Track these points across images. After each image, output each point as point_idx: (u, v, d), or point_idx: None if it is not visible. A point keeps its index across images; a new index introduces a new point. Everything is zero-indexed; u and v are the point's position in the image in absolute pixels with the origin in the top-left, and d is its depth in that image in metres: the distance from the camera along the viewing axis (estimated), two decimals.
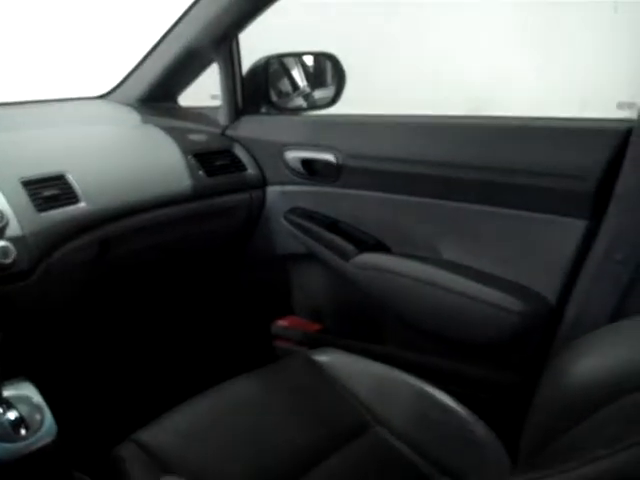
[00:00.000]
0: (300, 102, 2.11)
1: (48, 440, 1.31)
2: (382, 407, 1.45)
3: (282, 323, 2.05)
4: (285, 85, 2.10)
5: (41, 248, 1.46)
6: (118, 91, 2.16)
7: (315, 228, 1.87)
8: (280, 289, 2.08)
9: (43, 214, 1.49)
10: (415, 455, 1.36)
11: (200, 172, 1.84)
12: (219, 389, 1.48)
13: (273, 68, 2.04)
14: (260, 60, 2.01)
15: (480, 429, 1.35)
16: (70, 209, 1.55)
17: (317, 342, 1.89)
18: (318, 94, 2.08)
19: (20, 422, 1.32)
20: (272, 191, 1.97)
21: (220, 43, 1.92)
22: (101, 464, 1.32)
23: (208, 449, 1.31)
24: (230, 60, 1.97)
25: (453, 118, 1.71)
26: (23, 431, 1.31)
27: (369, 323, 1.88)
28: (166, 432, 1.35)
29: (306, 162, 1.88)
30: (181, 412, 1.41)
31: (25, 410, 1.34)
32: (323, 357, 1.58)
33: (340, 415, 1.44)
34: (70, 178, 1.58)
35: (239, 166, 1.94)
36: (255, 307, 2.13)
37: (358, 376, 1.52)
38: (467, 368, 1.65)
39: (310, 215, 1.89)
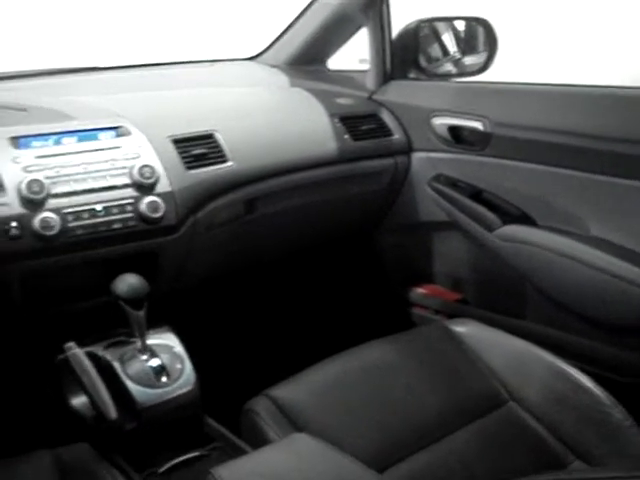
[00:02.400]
0: (450, 68, 2.07)
1: (187, 388, 1.37)
2: (518, 383, 1.42)
3: (421, 291, 2.04)
4: (435, 50, 2.07)
5: (188, 205, 1.51)
6: (267, 53, 2.19)
7: (459, 197, 1.84)
8: (420, 256, 2.06)
9: (192, 172, 1.55)
10: (549, 435, 1.33)
11: (346, 136, 1.85)
12: (353, 352, 1.49)
13: (423, 33, 2.01)
14: (410, 24, 1.98)
15: (618, 414, 1.30)
16: (218, 168, 1.60)
17: (455, 312, 1.88)
18: (468, 60, 2.04)
19: (162, 370, 1.38)
20: (417, 157, 1.95)
21: (370, 7, 1.91)
22: (234, 416, 1.37)
23: (338, 409, 1.33)
24: (380, 24, 1.95)
25: (609, 88, 1.63)
26: (164, 378, 1.37)
27: (509, 296, 1.84)
28: (299, 390, 1.37)
29: (453, 129, 1.85)
30: (315, 372, 1.43)
31: (167, 358, 1.41)
32: (461, 327, 1.56)
33: (474, 387, 1.42)
34: (219, 137, 1.63)
35: (385, 131, 1.93)
36: (394, 273, 2.13)
37: (495, 349, 1.50)
38: (607, 349, 1.59)
39: (454, 183, 1.87)
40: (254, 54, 2.22)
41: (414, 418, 1.33)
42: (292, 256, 2.03)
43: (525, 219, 1.74)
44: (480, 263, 1.90)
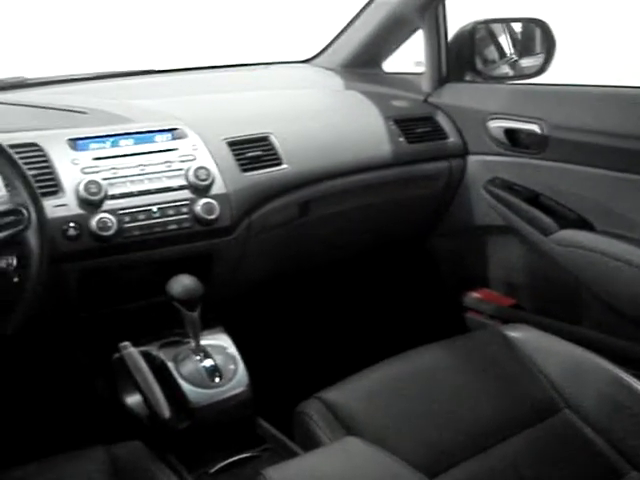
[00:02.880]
0: (506, 70, 2.05)
1: (239, 389, 1.38)
2: (574, 390, 1.39)
3: (475, 295, 2.02)
4: (491, 52, 2.05)
5: (243, 207, 1.52)
6: (322, 56, 2.19)
7: (515, 200, 1.82)
8: (475, 260, 2.05)
9: (247, 174, 1.56)
10: (606, 445, 1.30)
11: (401, 139, 1.84)
12: (406, 356, 1.48)
13: (479, 34, 1.99)
14: (466, 26, 1.97)
15: None
16: (273, 170, 1.61)
17: (510, 317, 1.86)
18: (525, 62, 2.01)
19: (215, 370, 1.39)
20: (473, 160, 1.94)
21: (426, 9, 1.90)
22: (286, 418, 1.37)
23: (391, 413, 1.33)
24: (435, 27, 1.94)
25: None
26: (217, 379, 1.38)
27: (565, 302, 1.81)
28: (352, 393, 1.37)
29: (509, 132, 1.83)
30: (368, 375, 1.42)
31: (220, 359, 1.42)
32: (515, 333, 1.54)
33: (529, 394, 1.40)
34: (274, 140, 1.64)
35: (440, 134, 1.92)
36: (448, 277, 2.11)
37: (551, 355, 1.47)
38: None
39: (510, 187, 1.85)
40: (309, 57, 2.22)
41: (467, 424, 1.32)
42: (345, 259, 2.02)
43: (582, 223, 1.72)
44: (536, 268, 1.88)
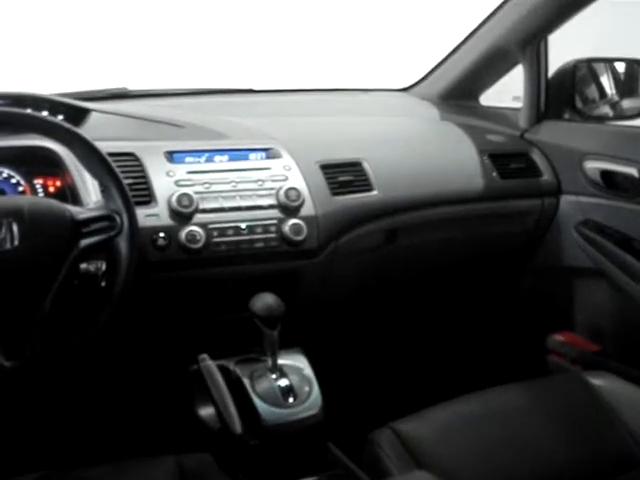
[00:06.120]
0: (606, 110, 2.01)
1: (313, 412, 1.37)
2: None
3: (558, 338, 1.97)
4: (592, 91, 2.02)
5: (331, 230, 1.53)
6: (420, 86, 2.20)
7: (606, 244, 1.78)
8: (560, 302, 2.01)
9: (337, 198, 1.57)
10: None
11: (494, 173, 1.83)
12: (484, 393, 1.46)
13: (581, 73, 1.97)
14: (568, 64, 1.95)
15: None
16: (363, 196, 1.62)
17: (593, 363, 1.81)
18: (627, 103, 1.98)
19: (290, 390, 1.39)
20: (566, 200, 1.90)
21: (527, 44, 1.88)
22: (357, 445, 1.36)
23: (463, 450, 1.31)
24: (537, 62, 1.93)
25: None
26: (291, 399, 1.38)
27: None
28: (425, 426, 1.36)
29: (606, 174, 1.79)
30: (443, 409, 1.41)
31: (296, 380, 1.41)
32: (598, 380, 1.51)
33: (607, 445, 1.37)
34: (366, 166, 1.65)
35: (535, 171, 1.90)
36: (532, 317, 2.08)
37: (634, 407, 1.43)
38: None
39: (603, 229, 1.81)
40: (406, 85, 2.23)
41: (540, 469, 1.29)
42: (428, 289, 2.01)
43: None
44: (624, 314, 1.83)
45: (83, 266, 1.31)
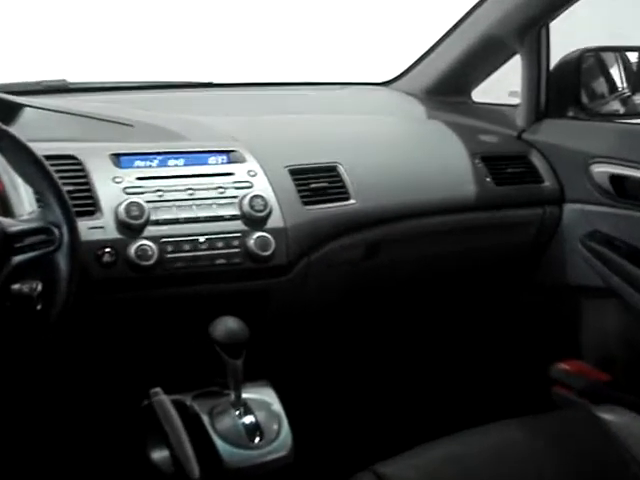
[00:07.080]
0: (616, 107, 2.04)
1: (282, 453, 1.36)
2: None
3: (563, 367, 1.98)
4: (600, 85, 2.03)
5: (302, 244, 1.53)
6: (404, 79, 2.20)
7: (616, 259, 1.80)
8: (565, 325, 2.02)
9: (309, 207, 1.57)
10: None
11: (488, 179, 1.84)
12: (479, 431, 1.45)
13: (587, 64, 1.98)
14: (572, 54, 1.96)
15: None
16: (339, 205, 1.61)
17: (603, 396, 1.82)
18: None
19: (255, 429, 1.38)
20: (570, 209, 1.92)
21: (526, 33, 1.89)
22: None
23: None
24: (536, 53, 1.94)
25: None
26: (257, 439, 1.37)
27: None
28: (412, 468, 1.34)
29: (616, 179, 1.81)
30: (433, 449, 1.40)
31: (262, 416, 1.40)
32: (608, 415, 1.51)
33: None
34: (342, 171, 1.64)
35: (534, 176, 1.91)
36: (533, 343, 2.08)
37: None
38: None
39: (612, 242, 1.82)
40: (388, 79, 2.23)
41: None
42: (415, 310, 2.01)
43: None
44: (637, 339, 1.84)
45: (16, 286, 1.29)
